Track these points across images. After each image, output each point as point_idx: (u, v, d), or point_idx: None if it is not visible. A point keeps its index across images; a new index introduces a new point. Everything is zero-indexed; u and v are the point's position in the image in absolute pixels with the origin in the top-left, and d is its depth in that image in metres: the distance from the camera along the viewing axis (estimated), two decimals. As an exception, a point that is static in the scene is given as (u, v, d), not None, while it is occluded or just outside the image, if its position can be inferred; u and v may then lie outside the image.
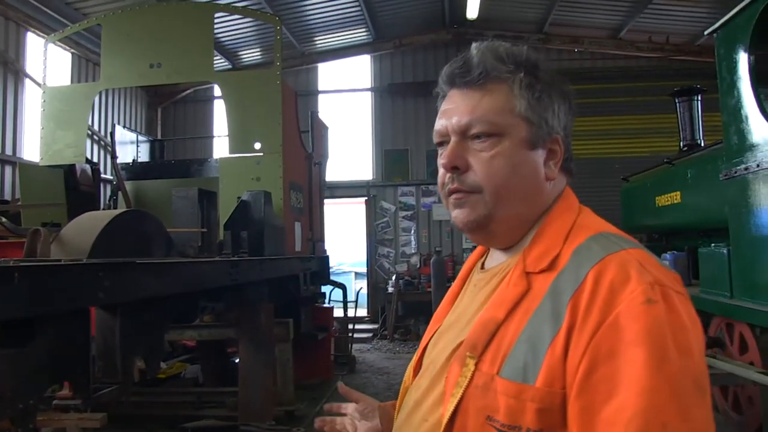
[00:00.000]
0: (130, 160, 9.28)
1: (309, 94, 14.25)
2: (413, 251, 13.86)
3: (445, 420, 1.09)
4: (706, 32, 5.43)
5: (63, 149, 7.10)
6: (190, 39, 7.04)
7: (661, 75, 13.05)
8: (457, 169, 1.17)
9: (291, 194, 7.07)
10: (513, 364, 1.02)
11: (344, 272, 16.45)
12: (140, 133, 10.44)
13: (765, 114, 4.49)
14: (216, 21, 7.76)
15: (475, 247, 1.44)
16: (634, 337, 0.92)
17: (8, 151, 9.36)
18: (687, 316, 0.97)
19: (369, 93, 14.47)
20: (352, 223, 15.08)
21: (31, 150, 9.48)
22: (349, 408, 1.54)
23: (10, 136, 9.40)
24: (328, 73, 14.74)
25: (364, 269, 14.71)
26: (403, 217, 13.90)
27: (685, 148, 7.59)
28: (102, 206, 8.46)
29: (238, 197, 5.91)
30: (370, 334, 12.63)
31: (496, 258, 1.29)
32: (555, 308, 1.01)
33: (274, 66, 7.04)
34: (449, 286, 1.45)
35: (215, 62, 9.48)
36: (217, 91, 13.43)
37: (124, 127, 10.86)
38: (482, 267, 1.33)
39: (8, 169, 9.29)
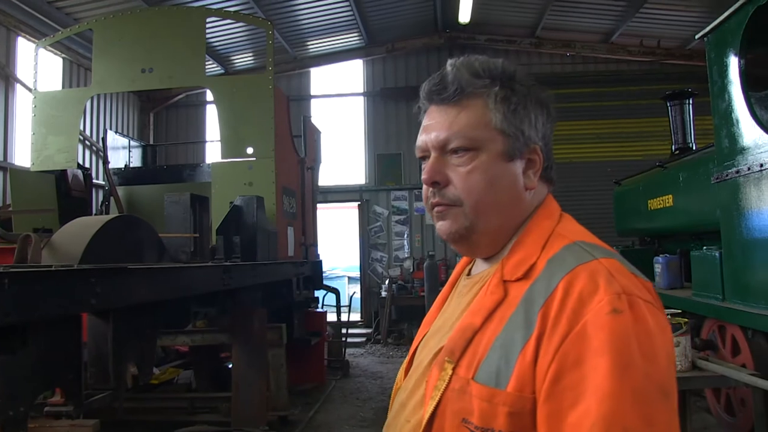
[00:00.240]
0: (122, 166, 9.27)
1: (301, 98, 14.25)
2: (406, 255, 13.86)
3: (424, 421, 1.13)
4: (697, 36, 5.46)
5: (54, 154, 7.06)
6: (182, 44, 7.02)
7: (652, 79, 13.11)
8: (437, 183, 1.21)
9: (284, 199, 7.06)
10: (487, 369, 1.06)
11: (337, 277, 16.47)
12: (132, 138, 10.42)
13: (755, 117, 4.52)
14: (208, 26, 7.74)
15: None
16: (599, 346, 0.95)
17: (-1, 157, 9.32)
18: (654, 325, 1.00)
19: (361, 97, 14.47)
20: (345, 227, 15.08)
21: (22, 155, 9.44)
22: None
23: (0, 141, 9.36)
24: (321, 78, 14.74)
25: (357, 274, 14.71)
26: (396, 222, 13.90)
27: (677, 152, 7.62)
28: (94, 212, 8.43)
29: (231, 202, 5.90)
30: (363, 339, 12.62)
31: (480, 265, 1.32)
32: (527, 316, 1.05)
33: (266, 71, 7.03)
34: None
35: (207, 67, 9.47)
36: (209, 95, 13.41)
37: (116, 132, 10.83)
38: (468, 273, 1.36)
39: (-1, 175, 9.26)
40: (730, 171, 4.81)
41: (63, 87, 10.67)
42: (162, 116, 14.54)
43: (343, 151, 14.16)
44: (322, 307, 9.61)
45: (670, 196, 6.93)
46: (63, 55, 10.85)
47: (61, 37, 8.25)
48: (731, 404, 5.38)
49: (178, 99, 14.26)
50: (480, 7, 12.20)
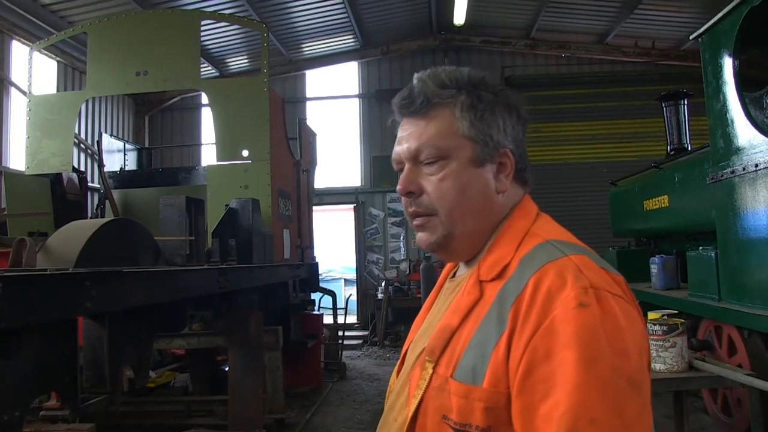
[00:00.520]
0: (118, 169, 9.23)
1: (297, 101, 14.25)
2: (402, 257, 13.87)
3: (407, 420, 1.17)
4: (691, 37, 5.47)
5: (49, 158, 7.05)
6: (177, 47, 7.01)
7: (647, 79, 13.13)
8: (412, 193, 1.26)
9: (279, 201, 7.05)
10: (464, 366, 1.10)
11: (334, 279, 16.43)
12: (127, 142, 10.38)
13: (750, 118, 4.53)
14: (203, 28, 7.73)
15: None
16: (566, 340, 0.97)
17: (-6, 161, 9.30)
18: (623, 318, 1.02)
19: (357, 99, 14.48)
20: (341, 229, 15.07)
21: (17, 159, 9.42)
22: None
23: (-5, 145, 9.34)
24: (316, 80, 14.75)
25: (353, 276, 14.70)
26: (392, 224, 13.90)
27: (672, 152, 7.63)
28: (89, 215, 8.40)
29: (226, 205, 5.89)
30: (360, 341, 12.61)
31: (463, 268, 1.37)
32: (500, 314, 1.09)
33: (261, 73, 7.02)
34: None
35: (202, 70, 9.46)
36: (204, 98, 13.38)
37: (111, 135, 10.80)
38: (453, 276, 1.41)
39: (-6, 179, 9.22)
40: (725, 171, 4.82)
41: (58, 90, 10.63)
42: (157, 119, 14.52)
43: (338, 154, 14.15)
44: (318, 310, 9.59)
45: (666, 196, 6.94)
46: (57, 59, 10.83)
47: (55, 41, 8.23)
48: (728, 404, 5.38)
49: (173, 102, 14.25)
50: (475, 9, 12.23)
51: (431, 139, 1.23)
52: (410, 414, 1.17)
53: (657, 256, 6.82)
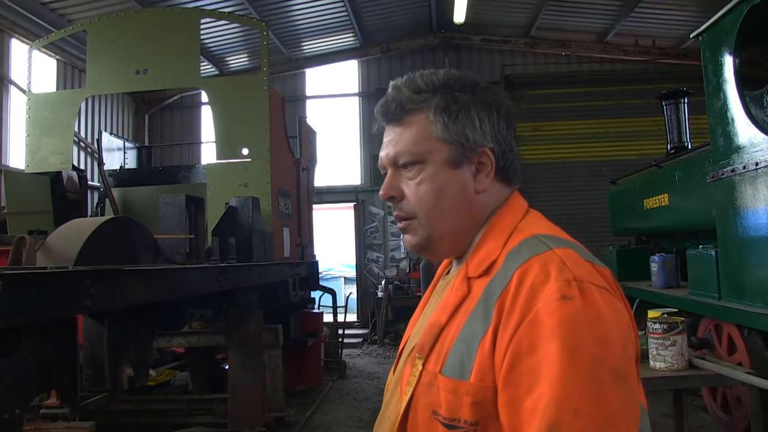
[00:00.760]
0: (117, 167, 9.23)
1: (296, 99, 14.24)
2: (402, 256, 13.87)
3: (399, 416, 1.19)
4: (691, 35, 5.46)
5: (49, 156, 7.04)
6: (177, 45, 7.00)
7: (647, 78, 13.10)
8: (393, 198, 1.29)
9: (279, 200, 7.05)
10: (452, 362, 1.12)
11: (333, 277, 16.43)
12: (127, 140, 10.38)
13: (751, 116, 4.52)
14: (202, 27, 7.72)
15: None
16: (549, 332, 0.98)
17: (-7, 159, 9.29)
18: (607, 309, 1.02)
19: (357, 98, 14.47)
20: (341, 228, 15.07)
21: (16, 157, 9.41)
22: None
23: (-5, 143, 9.33)
24: (316, 79, 14.75)
25: (353, 274, 14.70)
26: (392, 222, 13.86)
27: (673, 151, 7.62)
28: (89, 213, 8.40)
29: (226, 203, 5.89)
30: (360, 339, 12.61)
31: (455, 265, 1.38)
32: (486, 309, 1.10)
33: (261, 72, 7.02)
34: None
35: (202, 68, 9.47)
36: (204, 97, 13.36)
37: (111, 133, 10.80)
38: (447, 273, 1.42)
39: (-7, 177, 9.22)
40: (725, 170, 4.81)
41: (57, 88, 10.63)
42: (157, 118, 14.52)
43: (338, 152, 14.15)
44: (318, 308, 9.60)
45: (666, 195, 6.94)
46: (57, 57, 10.83)
47: (55, 39, 8.22)
48: (727, 403, 5.39)
49: (172, 100, 14.24)
50: (475, 7, 12.21)
51: (407, 145, 1.25)
52: (402, 411, 1.18)
53: (657, 254, 6.82)
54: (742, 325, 4.78)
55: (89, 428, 4.79)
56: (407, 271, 13.49)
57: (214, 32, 12.08)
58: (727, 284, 4.91)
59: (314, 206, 9.95)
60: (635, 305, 6.54)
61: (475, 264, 1.20)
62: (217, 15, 9.64)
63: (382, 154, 1.31)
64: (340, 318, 9.95)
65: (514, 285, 1.07)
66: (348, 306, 10.98)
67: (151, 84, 7.20)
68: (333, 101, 14.67)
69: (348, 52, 14.31)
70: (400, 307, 12.75)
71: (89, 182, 9.61)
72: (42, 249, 3.15)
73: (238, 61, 13.78)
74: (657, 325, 3.48)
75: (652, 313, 3.60)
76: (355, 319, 13.84)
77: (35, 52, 7.77)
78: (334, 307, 9.69)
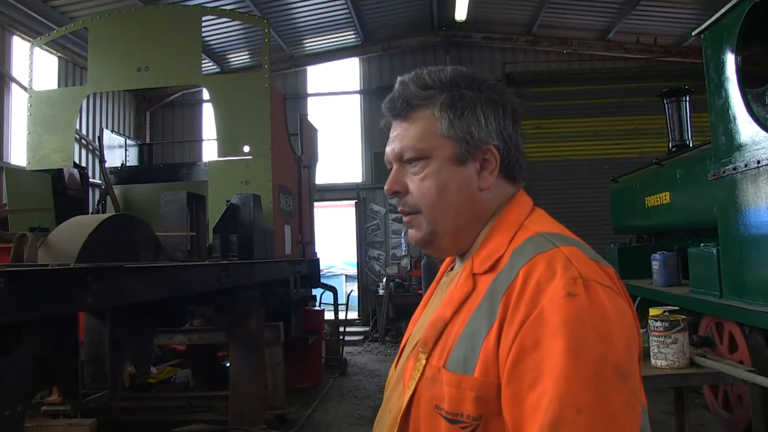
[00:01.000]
0: (119, 164, 9.24)
1: (298, 97, 14.23)
2: (403, 253, 13.86)
3: (401, 410, 1.19)
4: (693, 33, 5.45)
5: (50, 154, 7.05)
6: (178, 42, 7.01)
7: (649, 76, 13.11)
8: (398, 193, 1.30)
9: (280, 197, 7.05)
10: (456, 357, 1.12)
11: (335, 275, 16.45)
12: (128, 137, 10.39)
13: (752, 114, 4.52)
14: (204, 24, 7.74)
15: None
16: (554, 329, 0.99)
17: (-5, 156, 9.29)
18: (611, 308, 1.03)
19: (358, 95, 14.46)
20: (342, 225, 15.07)
21: (18, 154, 9.41)
22: None
23: (-4, 140, 9.33)
24: (317, 76, 14.74)
25: (354, 272, 14.71)
26: (393, 220, 13.89)
27: (674, 149, 7.61)
28: (90, 211, 8.41)
29: (227, 201, 5.89)
30: (361, 337, 12.62)
31: (459, 262, 1.38)
32: (491, 305, 1.10)
33: (262, 69, 7.02)
34: None
35: (203, 66, 9.45)
36: (205, 94, 13.36)
37: (113, 131, 10.80)
38: (451, 269, 1.43)
39: (-5, 174, 9.22)
40: (727, 168, 4.81)
41: (58, 86, 10.63)
42: (158, 115, 14.51)
43: (339, 150, 14.14)
44: (319, 306, 9.60)
45: (667, 193, 6.93)
46: (58, 54, 10.83)
47: (56, 36, 8.23)
48: (729, 401, 5.38)
49: (174, 98, 14.23)
50: (476, 5, 12.21)
51: (412, 140, 1.26)
52: (404, 404, 1.19)
53: (658, 252, 6.81)
54: (744, 323, 4.77)
55: (90, 425, 4.81)
56: (408, 268, 13.48)
57: (216, 29, 12.07)
58: (729, 282, 4.91)
59: (315, 204, 9.95)
60: (636, 303, 6.53)
61: (480, 260, 1.21)
62: (218, 12, 9.65)
63: (388, 149, 1.32)
64: (341, 315, 9.96)
65: (519, 281, 1.07)
66: (349, 303, 10.97)
67: (153, 81, 7.21)
68: (334, 99, 14.66)
69: (349, 50, 14.30)
70: (401, 305, 12.75)
71: (90, 179, 9.62)
72: (43, 246, 3.15)
73: (239, 58, 13.77)
74: (658, 323, 3.48)
75: (653, 311, 3.59)
76: (356, 317, 13.84)
77: (37, 50, 7.78)
78: (335, 304, 9.70)
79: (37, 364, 2.48)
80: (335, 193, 14.02)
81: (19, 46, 9.83)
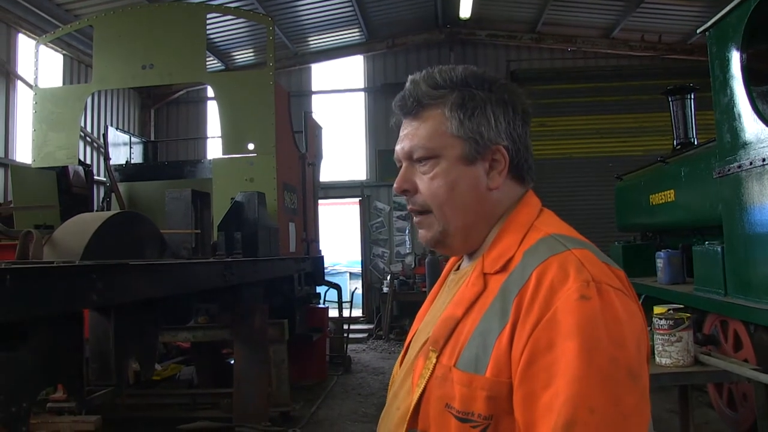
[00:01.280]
0: (123, 162, 9.26)
1: (302, 94, 14.24)
2: (408, 251, 13.86)
3: (411, 408, 1.20)
4: (698, 31, 5.44)
5: (55, 151, 7.07)
6: (183, 40, 7.01)
7: (654, 74, 13.06)
8: (407, 191, 1.31)
9: (285, 195, 7.06)
10: (467, 356, 1.13)
11: (339, 273, 16.46)
12: (133, 135, 10.42)
13: (757, 112, 4.50)
14: (208, 22, 7.74)
15: None
16: (568, 331, 1.00)
17: (0, 154, 9.31)
18: (623, 311, 1.05)
19: (362, 93, 14.46)
20: (346, 223, 15.06)
21: (23, 152, 9.44)
22: None
23: (1, 138, 9.35)
24: (322, 74, 14.73)
25: (358, 269, 14.71)
26: (398, 217, 13.89)
27: (679, 147, 7.59)
28: (95, 208, 8.43)
29: (232, 198, 5.90)
30: (365, 335, 12.61)
31: (467, 261, 1.39)
32: (503, 306, 1.11)
33: (267, 67, 7.03)
34: None
35: (208, 63, 9.46)
36: (210, 92, 13.39)
37: (117, 128, 10.82)
38: (457, 269, 1.43)
39: (0, 172, 9.25)
40: (732, 166, 4.79)
41: (64, 83, 10.65)
42: (163, 112, 14.53)
43: (344, 147, 14.14)
44: (323, 303, 9.60)
45: (672, 191, 6.91)
46: (63, 52, 10.84)
47: (61, 34, 8.24)
48: (733, 399, 5.38)
49: (178, 95, 14.25)
50: (481, 3, 12.19)
51: (422, 139, 1.27)
52: (413, 403, 1.19)
53: (663, 250, 6.79)
54: (749, 322, 4.76)
55: (95, 422, 4.82)
56: (412, 266, 13.47)
57: (220, 27, 12.08)
58: (733, 280, 4.90)
59: (320, 201, 9.96)
60: (641, 301, 6.51)
61: (491, 260, 1.21)
62: (223, 10, 9.65)
63: (398, 147, 1.33)
64: (346, 313, 9.95)
65: (533, 283, 1.08)
66: (353, 301, 10.99)
67: (157, 79, 7.22)
68: (338, 96, 14.66)
69: (353, 48, 14.29)
70: (406, 303, 12.74)
71: (95, 177, 9.62)
72: (48, 243, 3.16)
73: (244, 56, 13.78)
74: (663, 321, 3.47)
75: (657, 309, 3.59)
76: (360, 314, 13.85)
77: (42, 47, 7.80)
78: (340, 302, 9.70)
79: (42, 361, 2.49)
80: (339, 190, 14.03)
81: (25, 43, 9.85)
